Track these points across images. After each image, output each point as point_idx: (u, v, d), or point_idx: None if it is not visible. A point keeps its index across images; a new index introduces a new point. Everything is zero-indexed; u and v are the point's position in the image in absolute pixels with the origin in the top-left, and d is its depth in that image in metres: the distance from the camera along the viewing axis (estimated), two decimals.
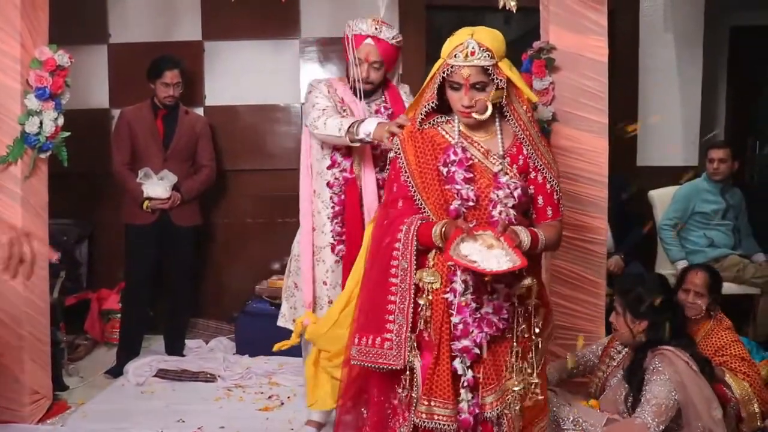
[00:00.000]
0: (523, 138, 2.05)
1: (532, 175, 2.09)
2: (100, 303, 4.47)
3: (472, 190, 2.01)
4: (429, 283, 2.03)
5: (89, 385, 3.78)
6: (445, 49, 2.02)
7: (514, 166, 2.07)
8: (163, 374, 3.87)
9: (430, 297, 2.02)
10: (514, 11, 2.95)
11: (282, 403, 3.55)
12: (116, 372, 3.93)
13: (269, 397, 3.62)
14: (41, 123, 3.03)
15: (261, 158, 4.66)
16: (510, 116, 2.05)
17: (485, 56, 1.96)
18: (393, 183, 2.14)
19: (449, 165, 2.03)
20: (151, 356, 4.07)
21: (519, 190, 2.01)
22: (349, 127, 2.63)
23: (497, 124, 2.08)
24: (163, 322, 4.33)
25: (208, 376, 3.86)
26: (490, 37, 1.99)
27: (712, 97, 5.51)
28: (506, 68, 2.00)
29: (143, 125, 4.02)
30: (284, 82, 4.63)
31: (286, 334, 4.15)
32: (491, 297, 2.00)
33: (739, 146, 5.07)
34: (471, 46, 1.96)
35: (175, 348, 4.23)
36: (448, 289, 2.01)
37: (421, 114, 2.10)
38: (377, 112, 2.93)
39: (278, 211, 4.63)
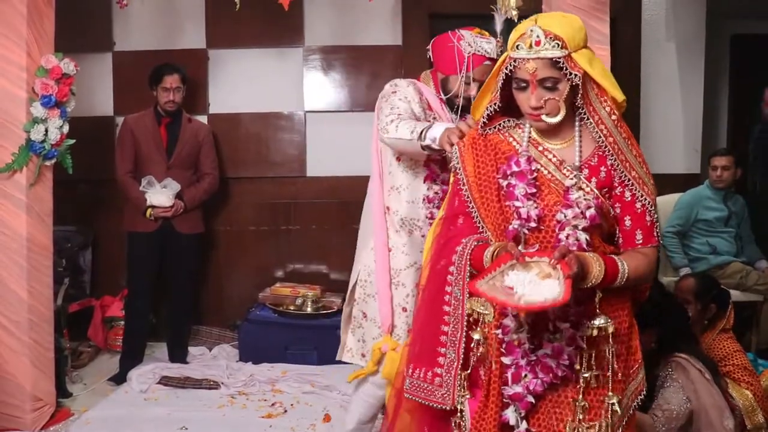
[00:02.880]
0: (606, 146, 1.71)
1: (618, 190, 1.75)
2: (103, 310, 4.47)
3: (536, 208, 1.71)
4: (481, 314, 1.76)
5: (92, 392, 3.78)
6: (509, 41, 1.72)
7: (594, 179, 1.73)
8: (166, 381, 3.87)
9: (485, 330, 1.74)
10: (516, 20, 2.96)
11: (285, 411, 3.55)
12: (119, 379, 3.92)
13: (272, 405, 3.62)
14: (46, 131, 3.05)
15: (264, 166, 4.67)
16: (589, 119, 1.71)
17: (554, 46, 1.63)
18: (454, 196, 1.87)
19: (509, 177, 1.74)
20: (154, 363, 4.08)
21: (592, 210, 1.67)
22: (422, 131, 2.33)
23: (577, 129, 1.75)
24: (166, 329, 4.33)
25: (211, 383, 3.86)
26: (559, 22, 1.68)
27: (714, 104, 5.52)
28: (584, 61, 1.67)
29: (146, 133, 4.04)
30: (288, 90, 4.64)
31: (289, 340, 4.18)
32: (552, 337, 1.69)
33: (741, 154, 5.08)
34: (536, 34, 1.64)
35: (178, 355, 4.23)
36: (498, 324, 1.73)
37: (484, 118, 1.81)
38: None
39: (281, 218, 4.66)
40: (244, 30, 4.45)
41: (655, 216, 1.76)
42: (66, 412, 3.41)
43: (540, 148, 1.78)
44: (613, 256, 1.70)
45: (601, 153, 1.74)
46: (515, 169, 1.74)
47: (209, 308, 4.69)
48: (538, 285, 1.57)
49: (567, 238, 1.68)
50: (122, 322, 4.27)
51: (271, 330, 4.23)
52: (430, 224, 2.52)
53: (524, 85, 1.70)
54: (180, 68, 4.05)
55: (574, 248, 1.65)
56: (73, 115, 3.21)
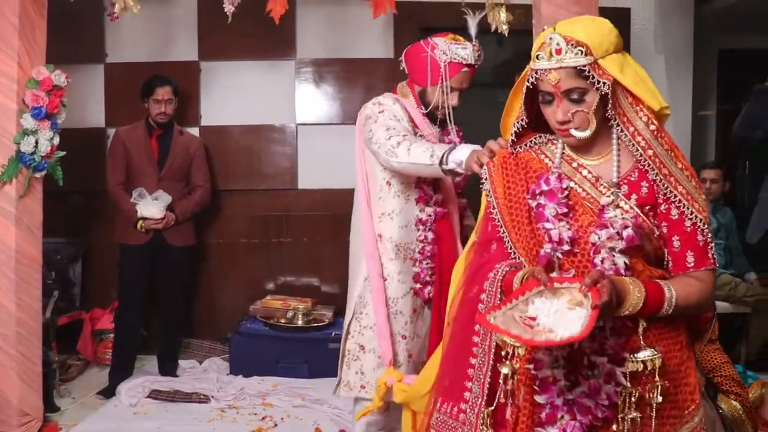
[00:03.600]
0: (645, 160, 1.53)
1: (663, 208, 1.57)
2: (93, 323, 4.44)
3: (568, 229, 1.56)
4: (512, 346, 1.53)
5: (81, 406, 3.75)
6: (532, 51, 1.59)
7: (634, 196, 1.56)
8: (156, 395, 3.85)
9: (516, 365, 1.54)
10: (506, 34, 2.98)
11: (275, 425, 3.53)
12: (109, 393, 3.89)
13: (263, 419, 3.60)
14: (37, 142, 3.04)
15: (256, 178, 4.67)
16: (623, 131, 1.55)
17: (577, 53, 1.49)
18: (486, 221, 1.73)
19: (538, 197, 1.59)
20: (144, 377, 4.05)
21: (629, 230, 1.50)
22: (443, 154, 2.20)
23: (614, 141, 1.59)
24: (156, 342, 4.31)
25: (202, 397, 3.84)
26: (583, 27, 1.53)
27: (703, 118, 5.57)
28: (613, 67, 1.51)
29: (138, 145, 4.04)
30: (279, 103, 4.65)
31: (280, 353, 4.17)
32: (589, 373, 1.51)
33: (730, 166, 5.13)
34: (555, 42, 1.50)
35: (168, 368, 4.21)
36: (531, 358, 1.55)
37: (512, 135, 1.67)
38: (447, 134, 2.64)
39: (272, 231, 4.66)
40: (236, 42, 4.46)
41: (709, 236, 1.57)
42: (54, 426, 3.38)
43: (574, 165, 1.63)
44: (658, 281, 1.53)
45: (641, 167, 1.57)
46: (544, 188, 1.58)
47: (200, 321, 4.67)
48: (564, 315, 1.41)
49: (602, 262, 1.52)
50: (112, 335, 4.25)
51: (262, 343, 4.21)
52: (422, 248, 2.56)
53: (549, 98, 1.56)
54: (172, 80, 4.05)
55: (611, 273, 1.50)
56: (64, 127, 3.20)
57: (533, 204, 1.60)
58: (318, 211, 4.61)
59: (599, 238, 1.53)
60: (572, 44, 1.50)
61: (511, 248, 1.64)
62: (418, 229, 2.57)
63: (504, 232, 1.65)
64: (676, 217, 1.56)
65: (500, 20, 2.94)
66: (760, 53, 5.78)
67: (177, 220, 4.02)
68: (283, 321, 4.29)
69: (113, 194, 4.02)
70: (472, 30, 2.54)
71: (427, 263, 2.57)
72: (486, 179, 1.72)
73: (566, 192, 1.59)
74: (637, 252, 1.55)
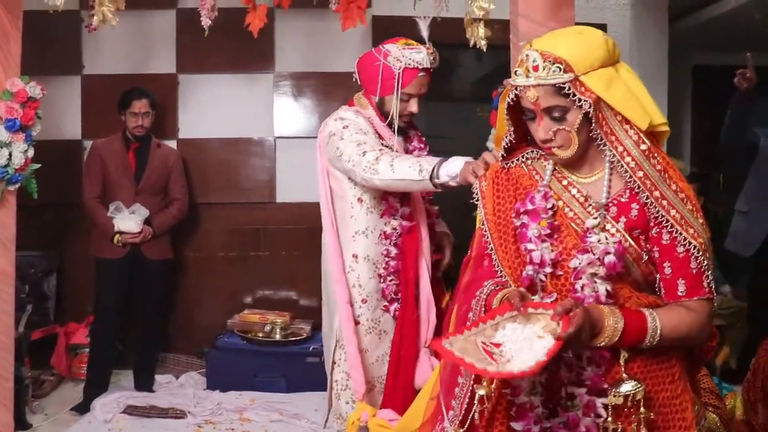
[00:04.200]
0: (634, 181, 1.46)
1: (654, 232, 1.49)
2: (67, 337, 4.38)
3: (550, 251, 1.49)
4: None
5: (54, 423, 3.70)
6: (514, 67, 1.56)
7: (623, 219, 1.49)
8: (131, 410, 3.80)
9: (493, 387, 1.47)
10: (485, 50, 3.00)
11: None
12: (83, 408, 3.84)
13: None
14: (10, 155, 2.99)
15: (234, 191, 4.66)
16: (611, 151, 1.47)
17: (555, 70, 1.43)
18: (479, 236, 1.67)
19: (522, 216, 1.53)
20: (119, 392, 4.00)
21: (611, 256, 1.43)
22: (433, 168, 2.11)
23: (607, 159, 1.51)
24: (132, 356, 4.26)
25: (178, 412, 3.80)
26: (564, 42, 1.47)
27: (678, 133, 5.65)
28: (598, 83, 1.44)
29: (115, 158, 4.01)
30: (258, 116, 4.64)
31: (258, 368, 4.13)
32: (569, 404, 1.47)
33: (705, 181, 5.20)
34: (532, 58, 1.45)
35: (144, 383, 4.16)
36: (508, 383, 1.50)
37: (503, 151, 1.63)
38: (412, 150, 2.56)
39: (250, 244, 4.63)
40: (214, 55, 4.45)
41: (705, 263, 1.46)
42: None
43: (564, 182, 1.56)
44: (644, 310, 1.46)
45: (633, 188, 1.49)
46: (529, 207, 1.52)
47: (177, 335, 4.63)
48: (532, 343, 1.34)
49: (582, 288, 1.46)
50: (87, 350, 4.19)
51: (240, 357, 4.18)
52: (387, 263, 2.45)
53: (531, 115, 1.51)
54: (149, 93, 4.03)
55: (591, 300, 1.44)
56: (40, 139, 3.16)
57: (517, 223, 1.54)
58: (296, 224, 4.60)
59: (580, 264, 1.46)
60: (550, 60, 1.44)
61: (498, 266, 1.58)
62: (383, 243, 2.46)
63: (492, 249, 1.59)
64: (668, 242, 1.47)
65: (479, 35, 2.96)
66: (734, 69, 5.89)
67: (154, 234, 3.99)
68: (260, 335, 4.26)
69: (89, 207, 3.98)
70: (424, 33, 2.49)
71: (391, 279, 2.46)
72: (477, 194, 1.66)
73: (551, 212, 1.52)
74: (623, 278, 1.48)
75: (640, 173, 1.46)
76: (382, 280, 2.47)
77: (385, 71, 2.41)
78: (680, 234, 1.45)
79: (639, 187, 1.46)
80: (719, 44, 5.70)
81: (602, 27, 4.65)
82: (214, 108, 4.61)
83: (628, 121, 1.46)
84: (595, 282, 1.45)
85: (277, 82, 4.64)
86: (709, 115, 5.94)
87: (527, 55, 1.47)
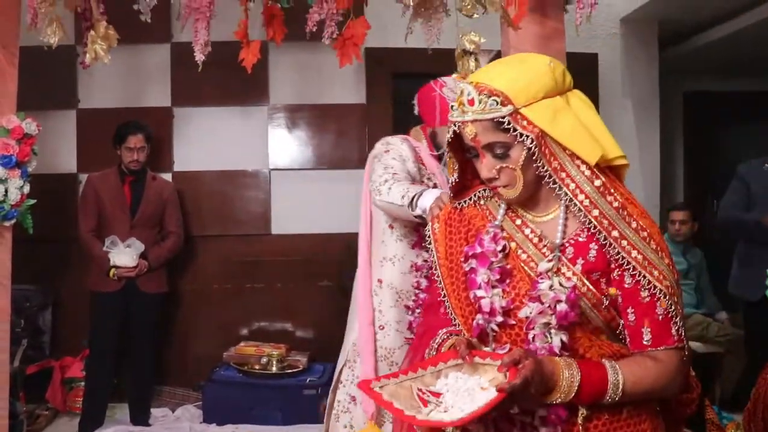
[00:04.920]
0: (589, 221, 1.34)
1: (616, 274, 1.36)
2: (63, 371, 4.36)
3: (501, 298, 1.37)
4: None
5: None
6: None
7: (580, 261, 1.36)
8: None
9: None
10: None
11: None
12: None
13: None
14: (6, 191, 3.01)
15: (229, 223, 4.66)
16: (561, 189, 1.35)
17: (491, 103, 1.32)
18: (432, 281, 1.57)
19: (470, 260, 1.41)
20: (115, 426, 3.98)
21: (563, 305, 1.31)
22: (413, 197, 2.12)
23: (563, 198, 1.39)
24: (128, 390, 4.23)
25: None
26: (501, 72, 1.36)
27: (670, 159, 5.70)
28: (542, 116, 1.32)
29: (110, 192, 4.02)
30: (253, 148, 4.67)
31: (254, 400, 4.11)
32: None
33: (699, 206, 5.23)
34: (467, 92, 1.35)
35: (140, 417, 4.13)
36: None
37: (450, 191, 1.54)
38: None
39: (246, 276, 4.63)
40: (208, 88, 4.48)
41: (672, 309, 1.33)
42: None
43: (518, 222, 1.44)
44: (604, 361, 1.33)
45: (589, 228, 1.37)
46: (477, 250, 1.40)
47: (173, 368, 4.60)
48: (474, 395, 1.24)
49: (534, 339, 1.34)
50: (83, 383, 4.17)
51: (236, 390, 4.16)
52: (416, 295, 2.41)
53: (474, 152, 1.40)
54: (145, 127, 4.06)
55: (543, 352, 1.32)
56: (36, 172, 3.18)
57: (466, 268, 1.41)
58: (291, 256, 4.60)
59: (530, 313, 1.34)
60: (485, 93, 1.32)
61: (451, 314, 1.46)
62: (414, 275, 2.43)
63: (445, 296, 1.48)
64: (631, 285, 1.34)
65: (469, 68, 2.99)
66: (723, 95, 5.97)
67: (150, 267, 3.99)
68: (257, 368, 4.24)
69: (84, 241, 3.98)
70: (483, 64, 2.52)
71: (420, 312, 2.36)
72: (429, 236, 1.54)
73: (502, 254, 1.40)
74: (582, 326, 1.36)
75: (596, 212, 1.33)
76: (410, 313, 2.43)
77: (441, 102, 2.44)
78: (644, 277, 1.32)
79: (595, 227, 1.34)
80: (710, 70, 5.79)
81: (593, 57, 4.73)
82: (208, 140, 4.64)
83: (579, 156, 1.34)
84: (549, 332, 1.33)
85: (272, 115, 4.67)
86: (701, 140, 6.01)
87: (462, 89, 1.36)
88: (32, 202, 3.14)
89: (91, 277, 4.02)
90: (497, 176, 1.38)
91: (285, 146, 4.68)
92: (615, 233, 1.33)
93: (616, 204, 1.35)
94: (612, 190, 1.35)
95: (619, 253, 1.33)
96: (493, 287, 1.38)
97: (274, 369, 4.22)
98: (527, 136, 1.31)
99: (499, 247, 1.40)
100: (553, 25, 2.56)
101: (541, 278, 1.35)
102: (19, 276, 3.31)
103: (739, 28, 4.62)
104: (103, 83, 4.58)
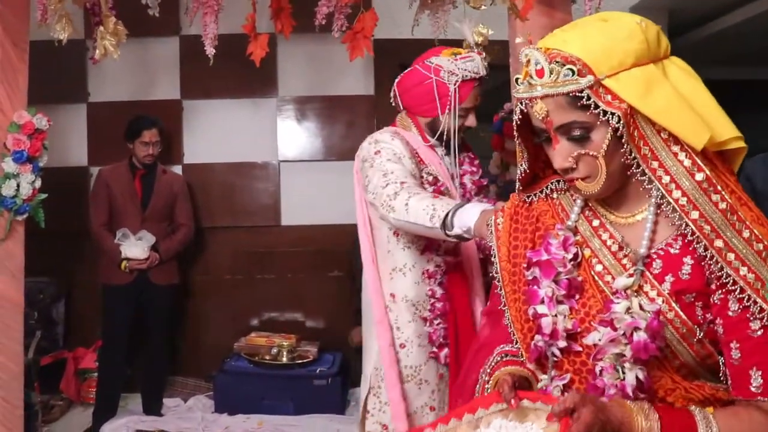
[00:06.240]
0: (685, 225, 1.06)
1: (717, 298, 1.08)
2: (76, 362, 4.41)
3: (566, 318, 1.13)
4: None
5: None
6: None
7: (669, 278, 1.09)
8: None
9: None
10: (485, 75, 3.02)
11: None
12: None
13: None
14: (18, 186, 3.04)
15: (239, 215, 4.69)
16: (651, 182, 1.08)
17: (566, 73, 1.05)
18: (493, 288, 1.35)
19: (533, 268, 1.17)
20: (128, 416, 4.02)
21: (641, 334, 1.04)
22: (446, 215, 1.79)
23: (654, 193, 1.10)
24: (140, 380, 4.28)
25: None
26: (574, 36, 1.09)
27: None
28: (631, 88, 1.04)
29: (121, 185, 4.05)
30: (262, 140, 4.68)
31: (265, 390, 4.14)
32: None
33: None
34: (534, 60, 1.08)
35: (152, 407, 4.18)
36: None
37: (519, 183, 1.27)
38: (463, 174, 2.27)
39: (256, 267, 4.66)
40: (217, 81, 4.50)
41: None
42: None
43: (596, 223, 1.18)
44: (692, 409, 1.05)
45: (687, 237, 1.08)
46: (543, 256, 1.15)
47: (185, 358, 4.65)
48: None
49: (601, 373, 1.09)
50: (96, 374, 4.21)
51: (247, 380, 4.20)
52: (432, 304, 2.18)
53: (545, 135, 1.13)
54: (158, 121, 4.08)
55: (613, 392, 1.06)
56: (47, 166, 3.21)
57: (529, 277, 1.17)
58: (301, 247, 4.63)
59: (599, 340, 1.08)
60: (558, 62, 1.06)
61: (511, 327, 1.23)
62: (426, 283, 2.18)
63: (505, 306, 1.25)
64: (737, 313, 1.05)
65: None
66: (735, 84, 5.93)
67: (161, 260, 4.03)
68: (267, 358, 4.27)
69: (96, 234, 4.02)
70: (470, 38, 2.28)
71: (438, 322, 2.17)
72: (492, 237, 1.30)
73: (573, 264, 1.15)
74: (665, 362, 1.09)
75: (695, 214, 1.05)
76: (428, 324, 2.20)
77: (440, 88, 2.15)
78: (755, 303, 1.03)
79: (693, 234, 1.05)
80: (720, 59, 5.75)
81: None
82: (218, 133, 4.66)
83: (677, 140, 1.06)
84: (622, 366, 1.07)
85: (281, 107, 4.68)
86: None
87: (527, 57, 1.10)
88: (44, 196, 3.17)
89: (103, 270, 4.06)
90: (575, 165, 1.11)
91: (294, 138, 4.70)
92: (719, 243, 1.04)
93: (723, 205, 1.05)
94: (719, 187, 1.05)
95: (723, 269, 1.04)
96: (559, 303, 1.13)
97: (284, 359, 4.25)
98: (613, 114, 1.04)
99: (570, 255, 1.14)
100: (562, 16, 2.54)
101: (617, 297, 1.08)
102: (32, 268, 3.34)
103: (749, 16, 4.58)
104: (113, 77, 4.61)
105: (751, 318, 1.04)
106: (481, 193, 2.32)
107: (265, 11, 2.93)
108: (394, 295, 2.19)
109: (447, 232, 1.80)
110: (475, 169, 2.30)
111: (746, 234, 1.04)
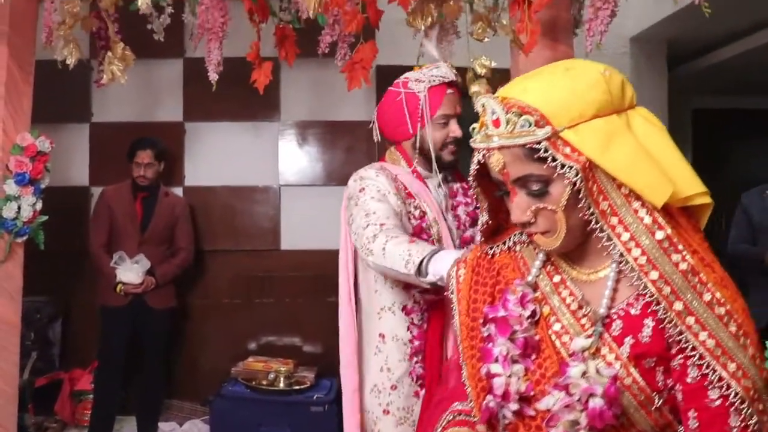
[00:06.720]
0: (644, 287, 1.01)
1: (677, 363, 1.02)
2: (72, 383, 4.38)
3: (520, 379, 1.07)
4: None
5: None
6: None
7: (629, 341, 1.03)
8: None
9: None
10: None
11: None
12: None
13: None
14: (19, 208, 3.04)
15: (239, 239, 4.68)
16: (610, 240, 1.03)
17: (523, 124, 1.00)
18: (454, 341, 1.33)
19: (489, 325, 1.11)
20: None
21: (597, 401, 0.98)
22: (421, 263, 1.73)
23: (614, 253, 1.05)
24: (136, 404, 4.25)
25: None
26: (537, 84, 1.04)
27: None
28: (590, 141, 1.00)
29: (122, 206, 4.05)
30: (263, 164, 4.69)
31: (262, 416, 4.11)
32: None
33: (707, 225, 5.21)
34: (491, 110, 1.03)
35: (147, 431, 4.14)
36: None
37: (480, 234, 1.22)
38: (456, 206, 2.19)
39: (255, 291, 4.65)
40: (220, 104, 4.50)
41: (754, 420, 0.98)
42: None
43: (557, 279, 1.12)
44: None
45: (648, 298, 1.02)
46: (500, 313, 1.09)
47: (181, 382, 4.62)
48: None
49: None
50: (91, 396, 4.18)
51: (244, 406, 4.16)
52: (411, 340, 2.09)
53: (504, 188, 1.09)
54: (155, 143, 4.08)
55: None
56: (48, 185, 3.21)
57: (484, 333, 1.11)
58: (300, 271, 4.62)
59: (553, 405, 1.02)
60: (515, 112, 1.01)
61: (466, 384, 1.16)
62: (406, 320, 2.10)
63: (462, 361, 1.17)
64: (696, 381, 1.00)
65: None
66: (732, 113, 5.98)
67: (157, 284, 4.01)
68: (264, 383, 4.24)
69: (95, 255, 4.01)
70: (434, 52, 2.23)
71: (416, 361, 2.10)
72: (452, 290, 1.24)
73: (529, 322, 1.09)
74: (621, 430, 1.04)
75: (654, 274, 0.99)
76: (410, 361, 2.11)
77: (410, 100, 2.09)
78: (713, 371, 0.98)
79: (652, 296, 1.00)
80: (719, 88, 5.80)
81: None
82: (219, 156, 4.67)
83: (639, 196, 1.01)
84: None
85: (282, 131, 4.70)
86: (710, 157, 6.01)
87: (485, 106, 1.05)
88: (44, 218, 3.17)
89: (100, 291, 4.05)
90: (533, 219, 1.06)
91: (295, 162, 4.71)
92: (678, 306, 0.99)
93: (684, 266, 1.00)
94: (681, 246, 1.01)
95: (682, 333, 0.99)
96: (514, 363, 1.07)
97: (281, 385, 4.22)
98: (571, 167, 0.99)
99: (527, 313, 1.08)
100: (564, 49, 2.56)
101: (573, 360, 1.02)
102: (29, 287, 3.33)
103: (747, 48, 4.64)
104: (116, 97, 4.62)
105: (710, 386, 0.99)
106: (476, 225, 2.24)
107: (270, 38, 2.95)
108: (384, 335, 2.11)
109: (421, 279, 1.75)
110: (469, 200, 2.22)
111: (707, 297, 0.99)
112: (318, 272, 4.53)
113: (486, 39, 2.60)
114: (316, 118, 4.69)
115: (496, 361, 1.08)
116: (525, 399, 1.07)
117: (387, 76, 4.50)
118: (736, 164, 6.08)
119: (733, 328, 0.98)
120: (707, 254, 1.03)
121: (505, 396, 1.06)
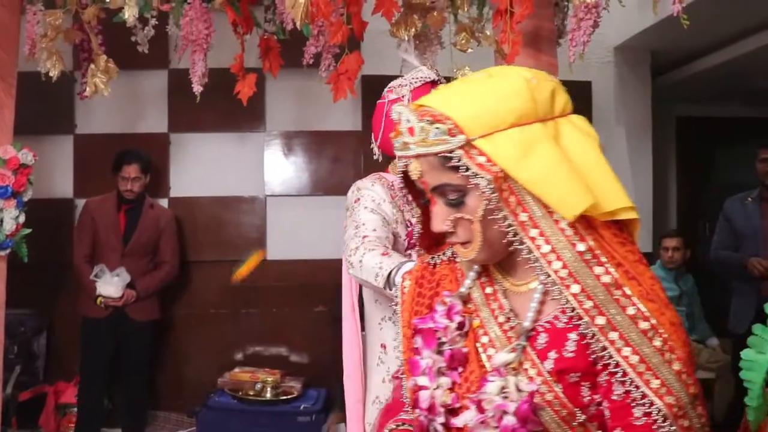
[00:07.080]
0: (566, 300, 0.98)
1: (602, 379, 0.99)
2: (56, 396, 4.34)
3: (445, 392, 1.05)
4: None
5: None
6: None
7: (552, 355, 1.00)
8: None
9: None
10: None
11: None
12: None
13: None
14: (2, 221, 3.02)
15: (225, 249, 4.66)
16: (529, 253, 0.99)
17: (436, 132, 0.98)
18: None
19: (416, 337, 1.10)
20: None
21: (510, 419, 0.96)
22: (389, 275, 1.75)
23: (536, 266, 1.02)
24: (120, 416, 4.21)
25: None
26: (451, 93, 1.03)
27: (663, 184, 5.74)
28: (505, 151, 0.97)
29: (105, 218, 4.03)
30: (249, 174, 4.68)
31: (249, 427, 4.09)
32: None
33: (691, 232, 5.26)
34: (405, 118, 1.01)
35: None
36: None
37: (418, 246, 1.19)
38: None
39: (241, 301, 4.63)
40: (205, 114, 4.48)
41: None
42: None
43: (489, 290, 1.09)
44: None
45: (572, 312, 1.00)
46: (427, 324, 1.07)
47: (168, 392, 4.59)
48: None
49: None
50: (75, 409, 4.15)
51: (231, 417, 4.14)
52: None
53: (427, 197, 1.08)
54: (142, 157, 4.05)
55: None
56: (32, 197, 3.19)
57: (415, 345, 1.09)
58: (286, 281, 4.61)
59: (469, 422, 0.99)
60: (428, 120, 0.98)
61: (406, 397, 1.12)
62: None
63: (402, 373, 1.14)
64: (621, 398, 0.97)
65: None
66: (716, 121, 6.04)
67: (138, 297, 3.97)
68: (251, 394, 4.22)
69: (77, 267, 3.99)
70: (412, 60, 2.21)
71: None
72: (398, 301, 1.21)
73: (457, 333, 1.06)
74: None
75: (576, 288, 0.96)
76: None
77: (382, 109, 2.12)
78: (636, 389, 0.95)
79: (573, 310, 0.97)
80: (702, 96, 5.86)
81: (587, 84, 4.77)
82: (205, 166, 4.65)
83: (551, 206, 0.98)
84: None
85: (268, 141, 4.69)
86: (694, 164, 6.07)
87: (399, 114, 1.02)
88: (27, 231, 3.15)
89: (82, 302, 4.02)
90: (452, 229, 1.04)
91: (281, 172, 4.70)
92: (601, 321, 0.95)
93: (606, 279, 0.96)
94: (603, 259, 0.97)
95: (605, 349, 0.95)
96: (441, 375, 1.05)
97: (268, 395, 4.21)
98: (481, 178, 0.97)
99: (453, 324, 1.06)
100: (548, 59, 2.59)
101: (492, 375, 0.99)
102: (13, 300, 3.31)
103: (729, 58, 4.69)
104: (100, 109, 4.59)
105: (634, 404, 0.95)
106: None
107: (254, 49, 2.96)
108: (385, 345, 2.07)
109: (390, 290, 1.74)
110: None
111: (631, 311, 0.95)
112: (304, 282, 4.52)
113: (470, 49, 2.62)
114: (301, 128, 4.69)
115: (423, 373, 1.06)
116: (452, 412, 1.04)
117: (372, 86, 4.50)
118: (718, 171, 6.14)
119: (657, 343, 0.95)
120: (633, 267, 0.99)
121: (431, 409, 1.04)
